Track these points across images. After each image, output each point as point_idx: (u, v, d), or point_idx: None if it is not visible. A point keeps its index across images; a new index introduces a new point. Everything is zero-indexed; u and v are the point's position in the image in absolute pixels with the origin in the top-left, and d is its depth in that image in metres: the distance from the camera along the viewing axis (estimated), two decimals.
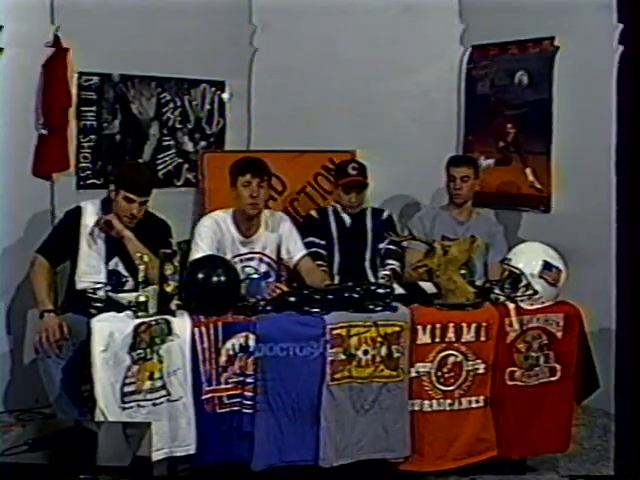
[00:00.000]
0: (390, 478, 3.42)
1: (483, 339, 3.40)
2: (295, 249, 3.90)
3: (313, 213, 4.38)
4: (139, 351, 3.12)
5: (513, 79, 4.72)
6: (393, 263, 4.16)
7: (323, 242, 4.19)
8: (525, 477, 3.55)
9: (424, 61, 4.85)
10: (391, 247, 4.21)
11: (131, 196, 3.68)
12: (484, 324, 3.39)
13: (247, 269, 3.78)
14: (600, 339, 3.66)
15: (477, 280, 3.84)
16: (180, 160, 4.79)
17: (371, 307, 3.34)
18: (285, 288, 3.57)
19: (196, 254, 3.64)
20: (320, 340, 3.25)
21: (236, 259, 3.78)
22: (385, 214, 4.36)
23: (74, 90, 4.30)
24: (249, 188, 3.77)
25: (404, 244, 4.14)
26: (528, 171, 4.65)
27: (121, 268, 3.74)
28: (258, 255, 3.87)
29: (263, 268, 3.86)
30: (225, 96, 4.89)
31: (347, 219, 4.29)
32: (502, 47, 4.75)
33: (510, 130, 4.74)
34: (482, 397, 3.43)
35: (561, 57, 4.45)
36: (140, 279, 3.31)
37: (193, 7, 4.52)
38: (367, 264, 4.24)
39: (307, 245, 4.01)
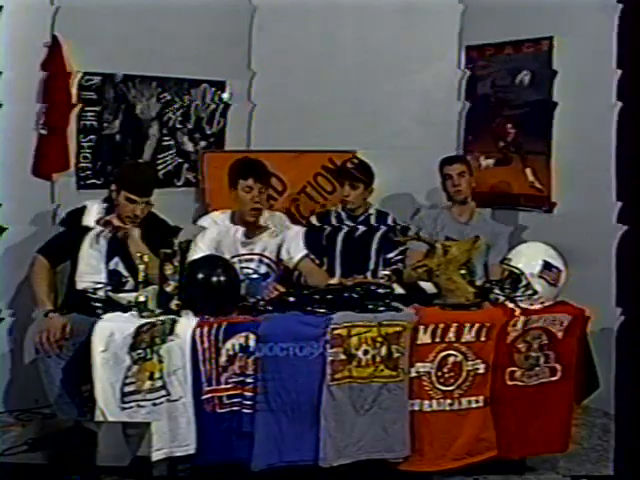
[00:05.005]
0: (390, 478, 3.42)
1: (483, 339, 3.40)
2: (296, 250, 3.89)
3: (314, 221, 4.32)
4: (139, 351, 3.12)
5: (513, 79, 4.71)
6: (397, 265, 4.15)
7: (324, 259, 4.16)
8: (526, 477, 3.55)
9: (424, 61, 4.85)
10: (400, 257, 4.18)
11: (133, 197, 3.68)
12: (485, 324, 3.39)
13: (246, 270, 3.78)
14: (600, 339, 3.66)
15: (477, 280, 3.84)
16: (180, 160, 4.78)
17: (371, 307, 3.33)
18: (282, 289, 3.55)
19: (195, 255, 3.63)
20: (320, 340, 3.24)
21: (235, 259, 3.77)
22: (389, 219, 4.31)
23: (75, 90, 4.31)
24: (251, 194, 3.76)
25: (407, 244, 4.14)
26: (528, 171, 4.65)
27: (121, 268, 3.73)
28: (258, 256, 3.86)
29: (263, 269, 3.85)
30: (225, 96, 4.89)
31: (351, 226, 4.25)
32: (502, 47, 4.75)
33: (510, 130, 4.74)
34: (482, 397, 3.42)
35: (561, 57, 4.45)
36: (140, 279, 3.31)
37: (193, 7, 4.51)
38: (370, 274, 4.14)
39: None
